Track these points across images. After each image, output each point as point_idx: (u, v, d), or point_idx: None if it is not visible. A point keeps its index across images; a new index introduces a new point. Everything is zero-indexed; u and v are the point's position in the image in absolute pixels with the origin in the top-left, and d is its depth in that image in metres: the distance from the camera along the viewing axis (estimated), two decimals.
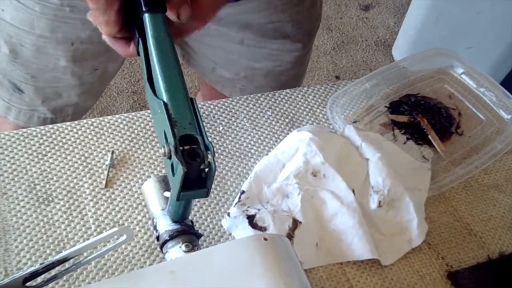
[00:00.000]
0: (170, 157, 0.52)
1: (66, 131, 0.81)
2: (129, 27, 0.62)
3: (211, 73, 1.09)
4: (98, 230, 0.72)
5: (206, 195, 0.54)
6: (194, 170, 0.52)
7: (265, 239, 0.55)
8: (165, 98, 0.54)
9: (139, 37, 0.61)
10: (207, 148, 0.53)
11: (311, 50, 1.13)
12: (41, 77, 0.96)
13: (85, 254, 0.63)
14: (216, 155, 0.82)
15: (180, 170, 0.50)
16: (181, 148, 0.51)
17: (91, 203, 0.75)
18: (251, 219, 0.74)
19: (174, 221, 0.63)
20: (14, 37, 0.91)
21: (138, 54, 0.63)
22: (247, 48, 1.02)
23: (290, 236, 0.72)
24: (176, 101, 0.54)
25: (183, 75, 0.57)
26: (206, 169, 0.52)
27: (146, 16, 0.59)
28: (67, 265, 0.59)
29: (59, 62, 0.94)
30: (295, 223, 0.74)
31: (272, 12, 0.96)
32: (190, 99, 0.56)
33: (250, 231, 0.73)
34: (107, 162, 0.79)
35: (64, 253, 0.57)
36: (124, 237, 0.60)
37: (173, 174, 0.53)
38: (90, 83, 1.02)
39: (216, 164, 0.55)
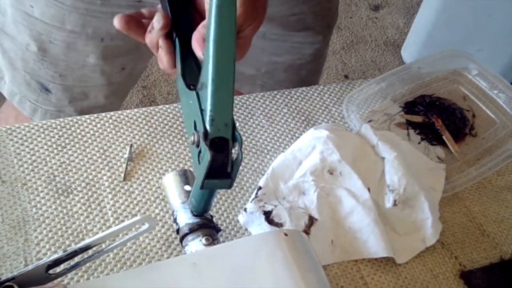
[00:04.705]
0: (198, 145, 0.53)
1: (85, 124, 0.82)
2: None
3: None
4: (117, 222, 0.73)
5: (230, 186, 0.55)
6: (221, 158, 0.52)
7: (286, 234, 0.55)
8: (209, 87, 0.51)
9: (176, 35, 0.62)
10: (235, 139, 0.53)
11: (328, 44, 1.13)
12: (69, 75, 0.96)
13: (107, 242, 0.64)
14: None
15: (207, 156, 0.51)
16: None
17: (110, 196, 0.76)
18: (267, 215, 0.74)
19: (194, 215, 0.63)
20: (43, 33, 0.90)
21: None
22: (270, 42, 1.02)
23: (306, 232, 0.73)
24: (219, 94, 0.51)
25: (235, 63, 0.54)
26: (232, 160, 0.53)
27: None
28: (89, 252, 0.59)
29: (89, 59, 0.94)
30: (311, 220, 0.75)
31: (294, 4, 0.97)
32: None
33: (266, 227, 0.74)
34: (126, 156, 0.79)
35: (86, 241, 0.57)
36: (146, 226, 0.61)
37: (199, 162, 0.54)
38: (118, 83, 1.02)
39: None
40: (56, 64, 0.94)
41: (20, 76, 0.97)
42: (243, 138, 0.86)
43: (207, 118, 0.51)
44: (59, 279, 0.58)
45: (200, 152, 0.53)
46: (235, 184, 0.79)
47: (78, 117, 0.83)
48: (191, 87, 0.59)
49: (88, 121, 0.83)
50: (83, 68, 0.96)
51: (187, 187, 0.66)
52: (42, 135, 0.80)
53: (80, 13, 0.88)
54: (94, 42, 0.92)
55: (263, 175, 0.79)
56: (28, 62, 0.95)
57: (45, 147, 0.79)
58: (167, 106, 0.87)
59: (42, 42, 0.91)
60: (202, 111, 0.53)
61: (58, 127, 0.81)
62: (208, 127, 0.51)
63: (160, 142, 0.83)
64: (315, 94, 0.95)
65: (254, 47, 1.03)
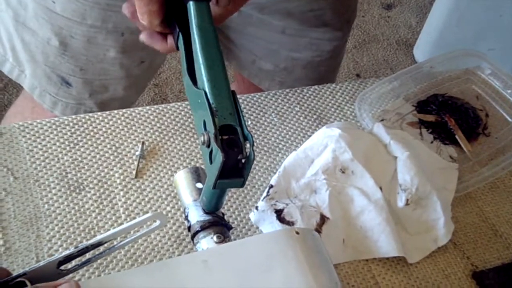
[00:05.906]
0: (208, 145, 0.53)
1: (97, 121, 0.82)
2: (168, 23, 0.63)
3: (251, 66, 1.10)
4: (128, 219, 0.73)
5: (242, 185, 0.55)
6: (233, 158, 0.52)
7: (297, 232, 0.55)
8: (206, 87, 0.55)
9: (179, 31, 0.61)
10: (246, 138, 0.53)
11: (346, 41, 1.13)
12: (90, 69, 0.97)
13: (118, 239, 0.64)
14: None
15: (219, 157, 0.51)
16: (220, 137, 0.52)
17: (121, 193, 0.76)
18: (279, 213, 0.74)
19: (206, 212, 0.63)
20: (64, 28, 0.90)
21: (177, 48, 0.64)
22: (288, 38, 1.02)
23: (317, 231, 0.73)
24: (217, 90, 0.54)
25: (225, 65, 0.57)
26: (243, 160, 0.53)
27: (191, 4, 0.59)
28: (101, 249, 0.59)
29: (109, 53, 0.94)
30: (323, 218, 0.74)
31: (312, 0, 0.97)
32: (231, 91, 0.56)
33: (277, 225, 0.73)
34: (137, 153, 0.80)
35: (98, 238, 0.57)
36: (157, 223, 0.61)
37: (211, 162, 0.54)
38: (137, 76, 1.02)
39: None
40: (76, 58, 0.95)
41: (40, 69, 0.98)
42: (255, 136, 0.86)
43: (213, 111, 0.54)
44: (70, 275, 0.59)
45: (211, 152, 0.53)
46: (247, 182, 0.79)
47: (91, 114, 0.83)
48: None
49: (101, 118, 0.83)
50: (102, 61, 0.96)
51: (199, 185, 0.66)
52: (55, 132, 0.80)
53: (101, 8, 0.88)
54: (114, 36, 0.92)
55: (275, 173, 0.79)
56: (49, 56, 0.95)
57: (58, 143, 0.79)
58: (178, 103, 0.88)
59: (63, 37, 0.92)
60: (211, 110, 0.53)
61: (71, 124, 0.81)
62: (215, 119, 0.53)
63: (171, 139, 0.83)
64: (327, 92, 0.95)
65: (272, 42, 1.04)
